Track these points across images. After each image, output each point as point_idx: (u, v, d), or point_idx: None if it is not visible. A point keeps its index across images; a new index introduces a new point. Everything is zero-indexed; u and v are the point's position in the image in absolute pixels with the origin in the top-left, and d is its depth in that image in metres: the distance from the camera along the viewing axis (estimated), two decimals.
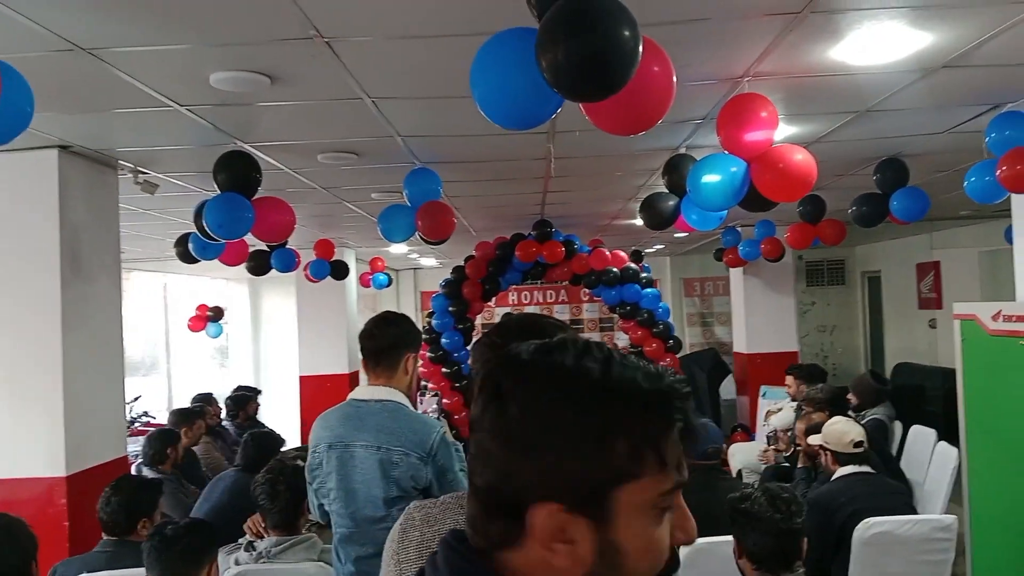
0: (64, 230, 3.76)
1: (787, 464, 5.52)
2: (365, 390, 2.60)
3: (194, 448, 5.63)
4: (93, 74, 2.73)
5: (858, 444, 3.87)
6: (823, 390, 5.11)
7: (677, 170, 4.24)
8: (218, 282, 11.83)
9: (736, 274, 8.99)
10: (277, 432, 4.97)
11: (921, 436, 5.35)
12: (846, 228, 6.12)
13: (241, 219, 3.67)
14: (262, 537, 3.23)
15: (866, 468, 3.86)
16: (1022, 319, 3.74)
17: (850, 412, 5.44)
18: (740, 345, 9.00)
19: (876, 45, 2.79)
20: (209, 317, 9.18)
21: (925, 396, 8.81)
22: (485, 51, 1.73)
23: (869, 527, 3.34)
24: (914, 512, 3.74)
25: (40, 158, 3.74)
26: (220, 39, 2.50)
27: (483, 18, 2.37)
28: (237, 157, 3.73)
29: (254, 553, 3.13)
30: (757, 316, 8.74)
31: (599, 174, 5.15)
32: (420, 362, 2.76)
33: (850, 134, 4.18)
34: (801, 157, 2.95)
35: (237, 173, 3.71)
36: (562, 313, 13.05)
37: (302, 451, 7.41)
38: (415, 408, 2.63)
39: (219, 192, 3.74)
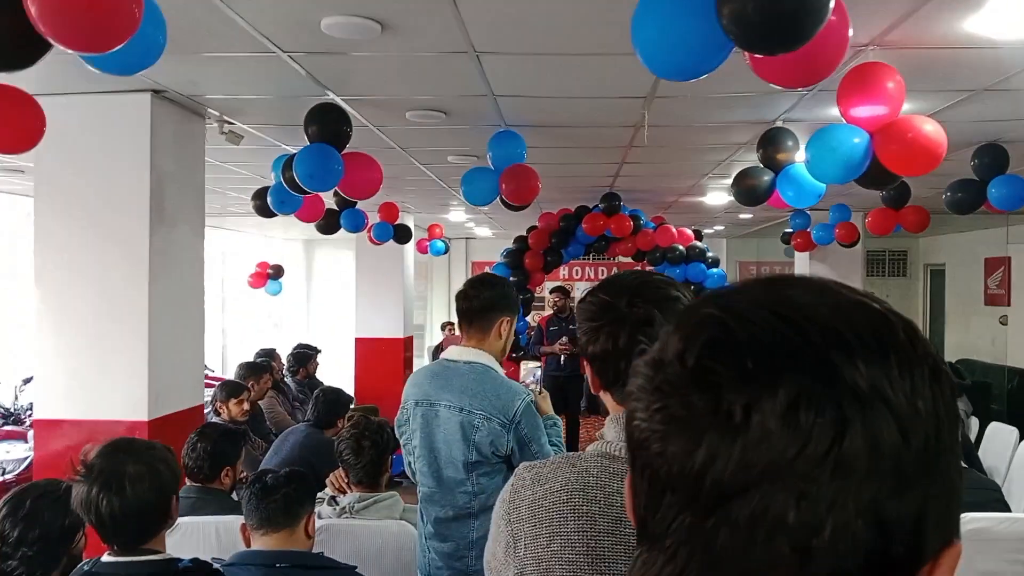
0: (153, 177, 3.74)
1: None
2: (456, 350, 2.56)
3: (260, 403, 5.65)
4: (202, 14, 2.68)
5: None
6: None
7: (774, 144, 4.11)
8: (274, 241, 11.90)
9: (802, 259, 8.79)
10: (344, 391, 4.97)
11: (1000, 434, 5.18)
12: (930, 216, 5.92)
13: (331, 171, 3.62)
14: (345, 492, 3.21)
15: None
16: None
17: None
18: None
19: (1018, 15, 2.63)
20: (270, 275, 9.23)
21: (990, 394, 8.57)
22: None
23: (966, 523, 3.22)
24: (1007, 509, 3.60)
25: (134, 102, 3.72)
26: None
27: None
28: (330, 109, 3.67)
29: (337, 508, 3.12)
30: None
31: (684, 146, 5.01)
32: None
33: (957, 115, 4.00)
34: (931, 128, 2.81)
35: (329, 125, 3.65)
36: None
37: (368, 410, 7.50)
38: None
39: (308, 144, 3.70)
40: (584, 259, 11.12)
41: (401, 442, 2.72)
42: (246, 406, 5.01)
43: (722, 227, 10.95)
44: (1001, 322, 9.46)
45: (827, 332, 0.49)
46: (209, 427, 3.43)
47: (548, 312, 8.26)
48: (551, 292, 8.65)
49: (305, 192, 3.87)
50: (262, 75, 3.52)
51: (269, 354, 6.55)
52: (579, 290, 12.60)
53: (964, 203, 4.68)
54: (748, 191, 4.15)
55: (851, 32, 2.81)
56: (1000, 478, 4.79)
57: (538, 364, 4.66)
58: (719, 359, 0.49)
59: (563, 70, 3.35)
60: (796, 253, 8.75)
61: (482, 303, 2.52)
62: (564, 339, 8.29)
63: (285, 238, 11.84)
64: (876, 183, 2.99)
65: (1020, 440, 4.81)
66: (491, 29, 2.86)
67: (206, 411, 4.98)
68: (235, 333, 10.50)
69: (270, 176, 4.70)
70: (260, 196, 5.00)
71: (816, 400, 0.46)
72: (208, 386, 5.71)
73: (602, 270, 12.87)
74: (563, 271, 12.58)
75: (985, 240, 9.85)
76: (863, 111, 2.85)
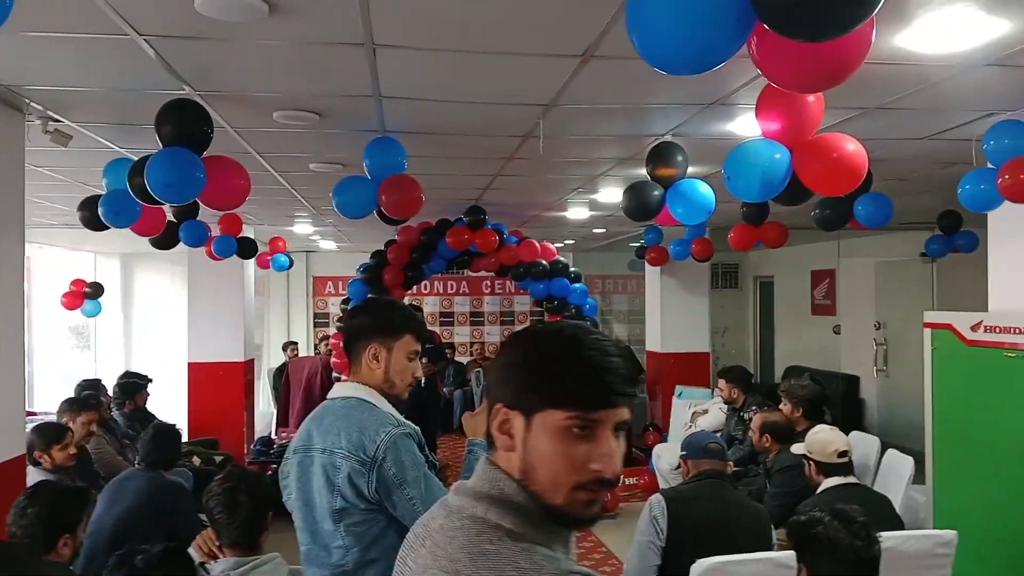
0: None
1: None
2: (337, 387, 2.30)
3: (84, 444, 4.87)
4: None
5: (842, 454, 3.76)
6: (806, 387, 4.95)
7: (663, 158, 4.00)
8: (84, 255, 10.63)
9: (653, 273, 8.93)
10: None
11: (863, 444, 5.36)
12: (788, 231, 6.12)
13: (192, 179, 3.09)
14: (216, 558, 2.72)
15: (851, 479, 3.75)
16: (1005, 330, 3.73)
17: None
18: (654, 344, 8.96)
19: (941, 30, 2.61)
20: (87, 294, 8.17)
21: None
22: None
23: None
24: (901, 524, 3.65)
25: None
26: None
27: None
28: (189, 106, 3.15)
29: None
30: (673, 316, 8.73)
31: (566, 159, 4.83)
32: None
33: (839, 131, 4.07)
34: (852, 147, 2.75)
35: (188, 125, 3.12)
36: (462, 305, 12.69)
37: (206, 444, 6.74)
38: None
39: (161, 147, 3.15)
40: (442, 273, 10.83)
41: (283, 497, 2.33)
42: (72, 450, 4.26)
43: (572, 241, 11.00)
44: (835, 332, 10.09)
45: None
46: (42, 486, 2.81)
47: None
48: None
49: (156, 203, 3.30)
50: (105, 62, 2.95)
51: (94, 386, 5.71)
52: (428, 305, 12.27)
53: (831, 220, 4.79)
54: (639, 205, 4.02)
55: None
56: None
57: None
58: None
59: (466, 70, 3.04)
60: (647, 267, 8.89)
61: (348, 332, 2.30)
62: (424, 359, 7.92)
63: (100, 252, 10.63)
64: (793, 200, 2.91)
65: (884, 450, 4.98)
66: (398, 18, 2.51)
67: None
68: (42, 360, 9.26)
69: (95, 183, 4.04)
70: (88, 206, 4.30)
71: None
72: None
73: (451, 284, 12.60)
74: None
75: (811, 253, 10.49)
76: (783, 125, 2.75)
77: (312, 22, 2.52)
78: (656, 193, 4.05)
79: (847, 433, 5.14)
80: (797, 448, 4.04)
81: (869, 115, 3.70)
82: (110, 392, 6.05)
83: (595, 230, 9.10)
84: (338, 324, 7.20)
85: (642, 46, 1.44)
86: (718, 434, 6.46)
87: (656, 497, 3.24)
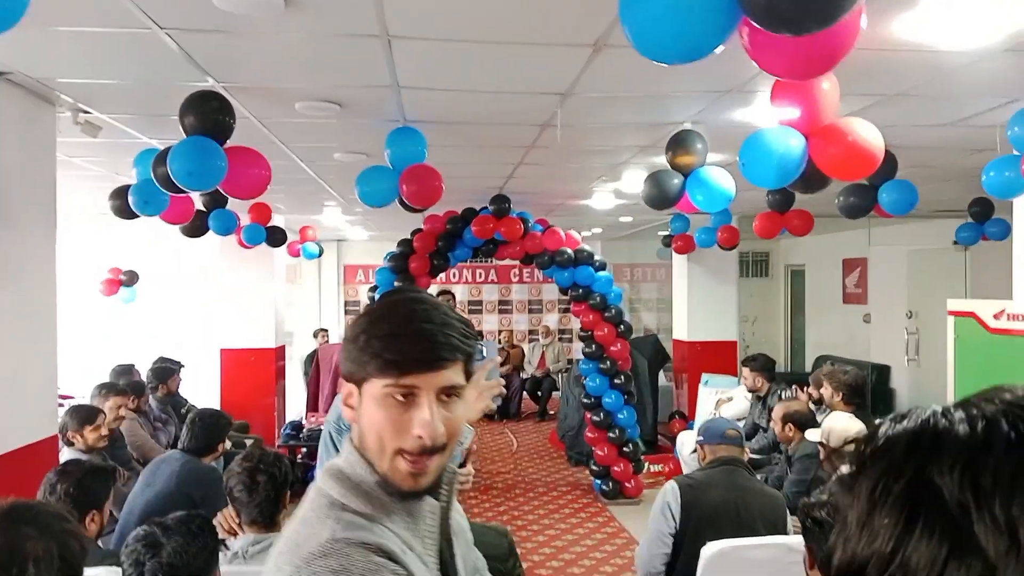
0: None
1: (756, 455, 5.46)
2: None
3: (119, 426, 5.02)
4: None
5: None
6: (848, 372, 4.92)
7: (683, 146, 4.01)
8: (122, 241, 10.84)
9: (680, 262, 8.91)
10: (223, 412, 4.48)
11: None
12: (813, 219, 6.08)
13: (213, 167, 3.18)
14: (236, 535, 2.81)
15: None
16: None
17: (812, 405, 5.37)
18: (681, 333, 8.94)
19: (951, 20, 2.59)
20: (123, 281, 8.37)
21: None
22: None
23: None
24: None
25: None
26: None
27: None
28: (211, 97, 3.23)
29: (228, 553, 2.71)
30: (700, 304, 8.70)
31: (586, 148, 4.85)
32: None
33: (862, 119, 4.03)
34: (867, 132, 2.74)
35: (210, 115, 3.21)
36: (491, 294, 12.76)
37: (238, 428, 6.83)
38: None
39: (185, 137, 3.23)
40: (466, 262, 10.90)
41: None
42: (104, 431, 4.41)
43: (599, 230, 10.99)
44: (865, 320, 9.97)
45: None
46: (71, 464, 2.92)
47: None
48: (436, 295, 8.34)
49: (180, 191, 3.39)
50: (131, 55, 3.04)
51: (127, 371, 5.86)
52: (457, 293, 12.36)
53: (856, 208, 4.76)
54: (660, 194, 4.03)
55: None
56: None
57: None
58: None
59: (480, 60, 3.08)
60: (675, 255, 8.87)
61: None
62: None
63: (136, 239, 10.83)
64: (810, 186, 2.91)
65: None
66: (410, 10, 2.55)
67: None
68: (71, 343, 9.47)
69: (126, 173, 4.15)
70: (120, 195, 4.42)
71: None
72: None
73: (481, 273, 12.67)
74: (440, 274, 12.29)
75: (843, 242, 10.37)
76: (799, 112, 2.75)
77: (327, 15, 2.57)
78: (676, 181, 4.05)
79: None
80: (812, 435, 4.04)
81: (888, 102, 3.67)
82: (144, 377, 6.20)
83: (621, 218, 9.08)
84: None
85: (635, 38, 1.47)
86: (742, 422, 6.48)
87: (671, 484, 3.27)
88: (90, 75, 3.30)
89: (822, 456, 3.86)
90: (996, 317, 3.88)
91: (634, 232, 11.04)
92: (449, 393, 1.10)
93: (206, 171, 3.17)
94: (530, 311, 12.77)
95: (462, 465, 2.46)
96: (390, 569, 1.01)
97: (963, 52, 2.89)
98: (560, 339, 12.36)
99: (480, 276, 12.69)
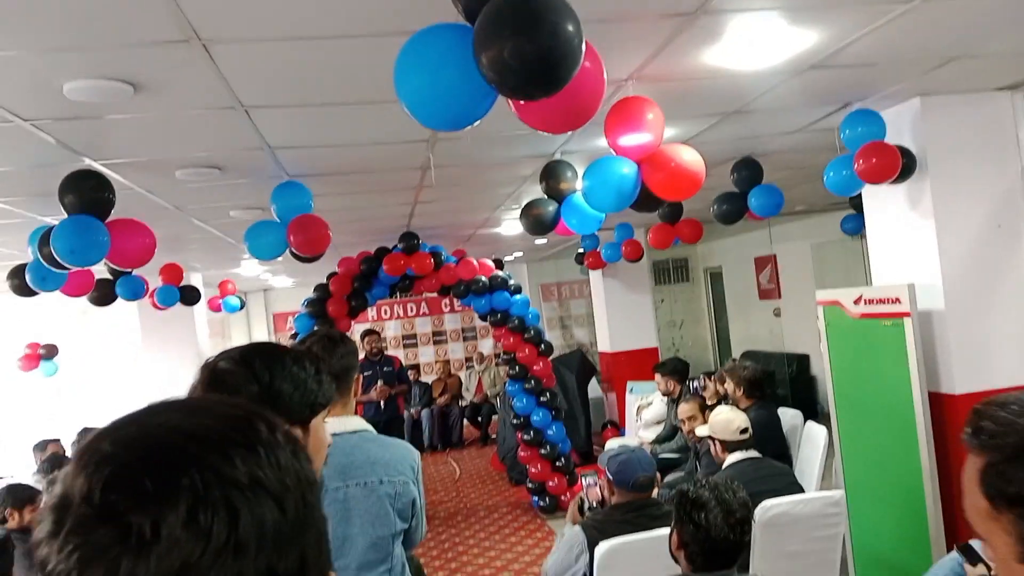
0: None
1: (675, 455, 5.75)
2: (341, 422, 2.25)
3: None
4: None
5: (744, 431, 4.03)
6: (748, 368, 5.22)
7: (554, 176, 4.26)
8: (37, 314, 10.70)
9: (596, 277, 9.22)
10: None
11: (785, 417, 5.65)
12: (703, 227, 6.41)
13: (95, 243, 3.31)
14: None
15: (753, 453, 4.02)
16: (882, 301, 4.02)
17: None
18: (604, 344, 9.23)
19: (755, 47, 2.89)
20: (42, 355, 8.32)
21: (774, 380, 9.39)
22: (413, 48, 1.62)
23: (767, 510, 3.47)
24: (801, 491, 3.92)
25: None
26: (78, 43, 2.23)
27: (375, 18, 2.26)
28: (87, 176, 3.37)
29: None
30: (618, 316, 9.01)
31: (473, 183, 5.09)
32: None
33: (713, 136, 4.35)
34: (690, 156, 3.02)
35: (87, 193, 3.34)
36: (424, 326, 12.91)
37: None
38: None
39: (66, 216, 3.37)
40: (391, 298, 11.03)
41: None
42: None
43: (520, 253, 11.26)
44: (775, 314, 10.41)
45: (205, 443, 0.60)
46: None
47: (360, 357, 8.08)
48: (362, 337, 8.50)
49: (67, 268, 3.51)
50: (5, 146, 3.17)
51: (43, 447, 5.84)
52: (390, 329, 12.48)
53: (729, 214, 5.09)
54: (536, 221, 4.27)
55: (608, 71, 3.00)
56: (791, 459, 5.23)
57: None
58: (121, 491, 0.56)
59: (338, 120, 3.28)
60: (590, 271, 9.17)
61: (343, 366, 2.29)
62: (380, 383, 8.15)
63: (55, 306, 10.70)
64: (648, 207, 3.17)
65: (804, 422, 5.27)
66: (254, 84, 2.75)
67: None
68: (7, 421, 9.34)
69: (28, 251, 4.23)
70: (17, 274, 4.49)
71: (210, 503, 0.56)
72: None
73: (411, 307, 12.83)
74: (371, 312, 12.41)
75: (751, 241, 10.84)
76: (629, 142, 3.01)
77: (177, 95, 2.75)
78: (551, 208, 4.30)
79: (798, 410, 5.50)
80: (701, 430, 4.30)
81: (729, 119, 3.98)
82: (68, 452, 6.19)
83: (537, 241, 9.36)
84: None
85: (411, 110, 1.70)
86: (660, 424, 6.77)
87: (576, 532, 3.29)
88: None
89: (712, 449, 4.12)
90: (856, 303, 4.21)
91: (557, 251, 11.34)
92: None
93: (88, 247, 3.29)
94: (464, 339, 12.96)
95: None
96: None
97: (772, 72, 3.20)
98: (498, 363, 12.57)
99: (412, 310, 12.85)
